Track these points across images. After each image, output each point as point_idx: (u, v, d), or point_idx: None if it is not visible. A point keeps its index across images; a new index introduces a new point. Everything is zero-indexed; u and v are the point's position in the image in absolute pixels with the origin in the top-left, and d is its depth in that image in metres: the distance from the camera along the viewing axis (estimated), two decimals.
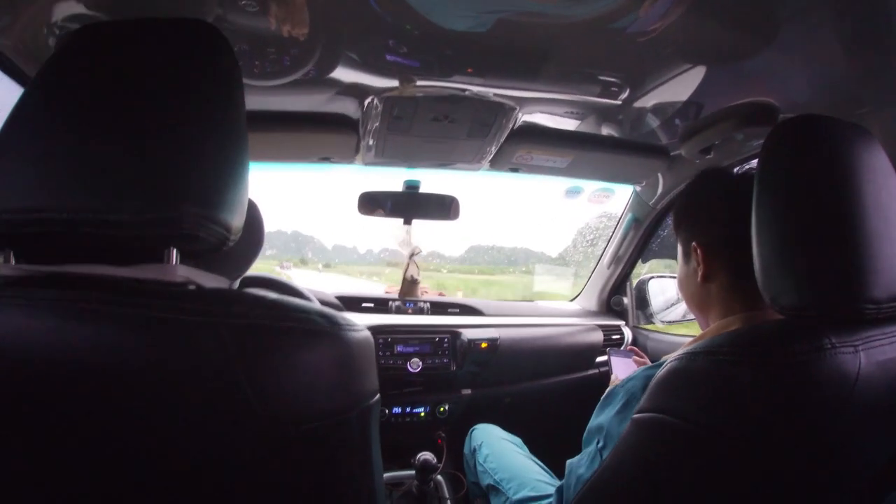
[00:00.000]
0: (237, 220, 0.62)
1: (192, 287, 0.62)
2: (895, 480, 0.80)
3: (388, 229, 2.05)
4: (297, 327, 0.58)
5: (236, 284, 0.78)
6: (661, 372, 0.78)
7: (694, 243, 0.97)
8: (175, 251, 0.61)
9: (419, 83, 1.22)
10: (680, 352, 0.78)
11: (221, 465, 0.57)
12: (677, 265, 1.08)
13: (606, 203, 2.13)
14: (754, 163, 0.82)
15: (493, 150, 1.58)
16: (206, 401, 0.55)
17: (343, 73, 1.19)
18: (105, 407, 0.53)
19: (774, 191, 0.77)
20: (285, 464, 0.59)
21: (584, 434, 0.99)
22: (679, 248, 1.05)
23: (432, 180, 1.86)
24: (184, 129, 0.58)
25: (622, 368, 1.52)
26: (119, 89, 0.58)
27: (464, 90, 1.26)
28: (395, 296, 2.14)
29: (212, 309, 0.55)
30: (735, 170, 0.99)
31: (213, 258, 0.68)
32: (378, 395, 0.69)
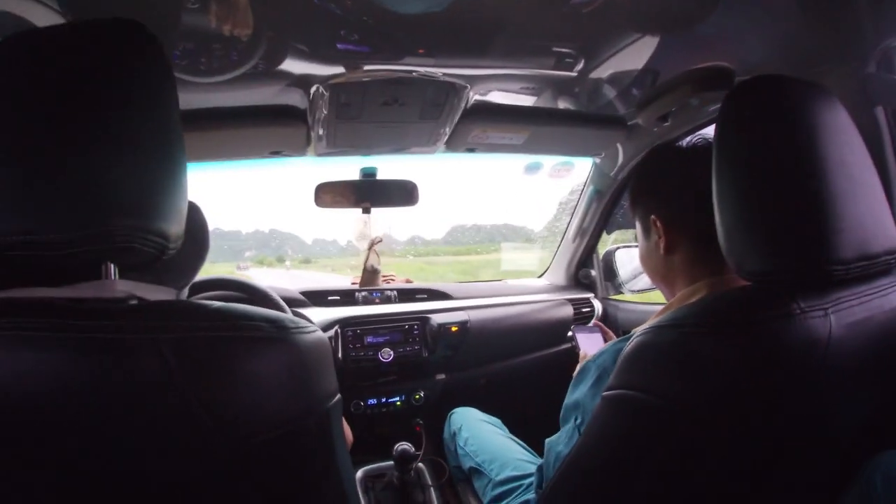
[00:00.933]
0: (175, 228, 0.59)
1: (133, 302, 0.59)
2: (879, 442, 0.80)
3: (344, 222, 2.03)
4: (242, 335, 0.56)
5: (185, 292, 0.75)
6: (627, 347, 0.77)
7: (653, 216, 0.97)
8: (113, 266, 0.59)
9: (366, 68, 1.19)
10: (646, 325, 0.77)
11: (178, 482, 0.55)
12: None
13: (567, 177, 2.13)
14: (704, 131, 0.81)
15: (448, 131, 1.56)
16: (156, 420, 0.53)
17: (292, 65, 1.17)
18: (57, 433, 0.52)
19: (733, 155, 0.75)
20: (244, 476, 0.57)
21: (562, 412, 0.99)
22: (638, 226, 1.04)
23: (396, 167, 1.83)
24: (111, 136, 0.55)
25: (589, 344, 1.52)
26: (41, 100, 0.54)
27: (411, 72, 1.23)
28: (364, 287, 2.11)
29: (151, 324, 0.53)
30: (686, 140, 0.98)
31: (157, 268, 0.65)
32: (338, 396, 0.67)
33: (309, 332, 0.62)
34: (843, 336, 0.68)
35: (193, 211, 0.69)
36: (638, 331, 0.78)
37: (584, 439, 0.84)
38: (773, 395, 0.67)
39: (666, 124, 1.53)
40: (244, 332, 0.56)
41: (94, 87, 0.55)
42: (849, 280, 0.72)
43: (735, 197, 0.74)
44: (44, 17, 0.89)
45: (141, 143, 0.56)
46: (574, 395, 0.96)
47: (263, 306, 1.56)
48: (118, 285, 0.59)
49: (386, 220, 2.02)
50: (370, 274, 2.15)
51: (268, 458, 0.58)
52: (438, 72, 1.24)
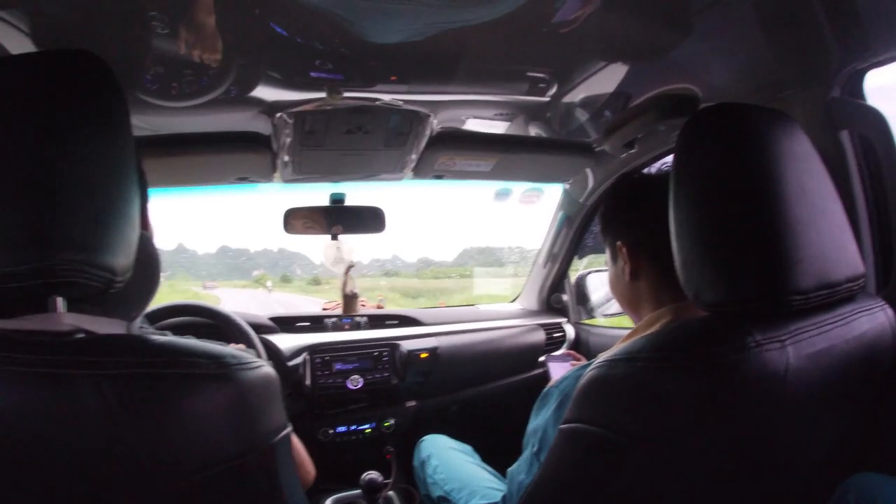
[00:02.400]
0: (122, 261, 0.59)
1: (80, 335, 0.59)
2: (850, 465, 0.80)
3: (318, 248, 2.02)
4: (181, 373, 0.56)
5: (136, 324, 0.74)
6: (582, 380, 0.76)
7: (619, 243, 0.98)
8: (60, 299, 0.58)
9: (329, 97, 1.20)
10: (600, 358, 0.76)
11: None
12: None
13: (537, 203, 2.14)
14: (670, 160, 0.81)
15: (415, 158, 1.57)
16: (95, 455, 0.53)
17: (264, 92, 1.18)
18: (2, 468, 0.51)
19: (690, 183, 0.75)
20: None
21: (524, 439, 0.99)
22: (607, 252, 1.05)
23: (367, 193, 1.84)
24: (57, 169, 0.54)
25: (561, 373, 1.51)
26: None
27: (375, 100, 1.24)
28: (334, 312, 2.09)
29: (93, 359, 0.53)
30: (656, 167, 0.99)
31: (107, 300, 0.64)
32: (286, 431, 0.66)
33: (252, 368, 0.61)
34: (802, 367, 0.67)
35: (145, 242, 0.68)
36: (595, 361, 0.77)
37: (544, 470, 0.83)
38: (727, 428, 0.67)
39: (632, 151, 1.55)
40: (183, 368, 0.55)
41: (42, 118, 0.55)
42: (809, 310, 0.71)
43: (691, 226, 0.74)
44: (19, 45, 0.89)
45: (89, 175, 0.56)
46: (535, 420, 0.96)
47: (227, 332, 1.55)
48: (65, 318, 0.58)
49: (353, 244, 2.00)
50: (350, 299, 2.13)
51: (208, 495, 0.57)
52: (401, 100, 1.25)
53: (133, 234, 0.61)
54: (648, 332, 0.84)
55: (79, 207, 0.55)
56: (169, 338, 0.60)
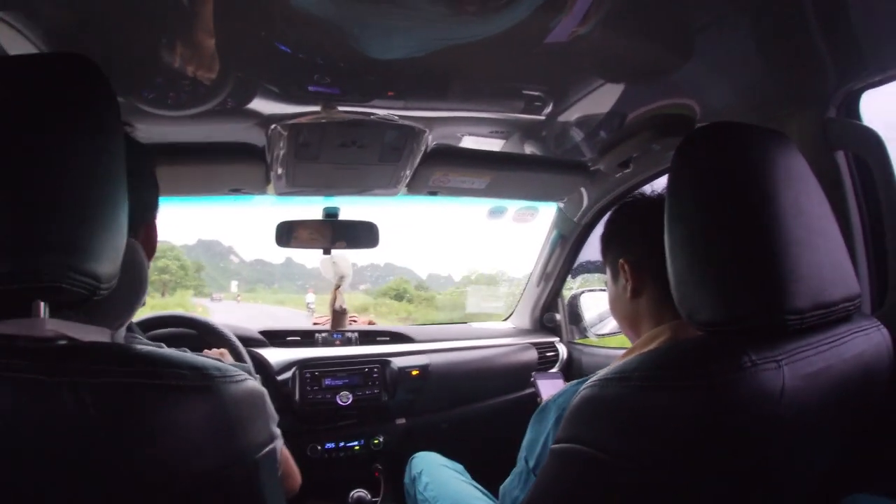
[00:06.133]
0: (108, 268, 0.58)
1: (62, 342, 0.58)
2: (846, 485, 0.79)
3: (306, 257, 2.01)
4: (164, 384, 0.55)
5: (121, 332, 0.73)
6: (574, 400, 0.75)
7: (621, 260, 0.98)
8: (44, 304, 0.57)
9: (324, 110, 1.21)
10: (594, 377, 0.75)
11: None
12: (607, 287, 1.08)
13: (531, 221, 2.14)
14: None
15: (409, 173, 1.57)
16: (73, 465, 0.52)
17: (260, 104, 1.18)
18: None
19: (685, 202, 0.75)
20: None
21: (519, 453, 0.98)
22: (607, 271, 1.06)
23: (361, 208, 1.84)
24: (45, 171, 0.54)
25: (551, 389, 1.50)
26: None
27: (370, 114, 1.24)
28: (324, 327, 2.08)
29: (75, 367, 0.52)
30: (653, 189, 1.00)
31: (91, 307, 0.63)
32: (272, 446, 0.66)
33: (237, 381, 0.60)
34: (799, 387, 0.66)
35: (131, 250, 0.68)
36: (587, 382, 0.76)
37: (537, 490, 0.82)
38: (722, 448, 0.66)
39: (627, 170, 1.55)
40: (167, 379, 0.55)
41: (32, 119, 0.55)
42: (804, 330, 0.70)
43: (686, 245, 0.73)
44: (22, 47, 0.89)
45: (77, 181, 0.56)
46: (531, 434, 0.95)
47: (215, 344, 1.54)
48: (47, 324, 0.57)
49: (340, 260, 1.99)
50: (339, 314, 2.11)
51: None
52: (396, 115, 1.26)
53: (120, 241, 0.61)
54: (646, 349, 0.84)
55: (65, 211, 0.54)
56: (152, 348, 0.59)
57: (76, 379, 0.51)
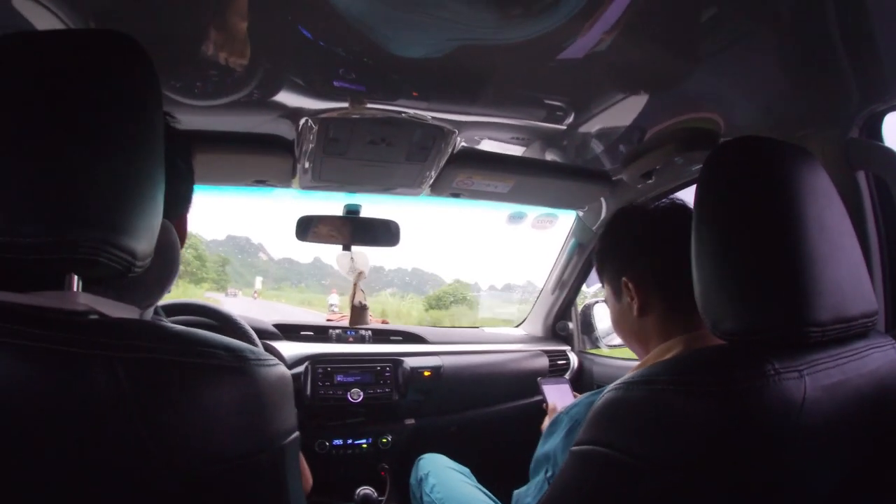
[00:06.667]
0: (144, 246, 0.58)
1: (93, 316, 0.58)
2: (858, 501, 0.78)
3: (333, 257, 2.01)
4: (199, 362, 0.55)
5: (149, 312, 0.73)
6: (598, 402, 0.75)
7: (624, 278, 0.97)
8: (76, 278, 0.57)
9: (357, 106, 1.21)
10: (618, 381, 0.75)
11: None
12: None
13: (550, 228, 2.14)
14: (679, 194, 0.82)
15: (433, 174, 1.57)
16: (98, 439, 0.51)
17: (286, 97, 1.18)
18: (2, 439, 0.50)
19: (713, 214, 0.75)
20: None
21: (532, 464, 0.98)
22: (607, 288, 1.04)
23: (380, 208, 1.84)
24: (87, 146, 0.54)
25: (557, 396, 1.50)
26: (25, 103, 0.54)
27: (401, 113, 1.25)
28: (338, 324, 2.09)
29: (108, 341, 0.52)
30: (650, 205, 0.99)
31: (123, 285, 0.63)
32: (296, 434, 0.65)
33: (270, 365, 0.60)
34: (818, 398, 0.67)
35: (166, 230, 0.68)
36: (610, 385, 0.77)
37: (552, 492, 0.81)
38: (744, 455, 0.66)
39: (650, 181, 1.55)
40: (201, 358, 0.55)
41: (76, 93, 0.55)
42: (825, 342, 0.71)
43: (713, 256, 0.74)
44: (50, 26, 0.89)
45: (117, 156, 0.56)
46: (545, 446, 0.95)
47: (231, 335, 1.54)
48: (80, 298, 0.57)
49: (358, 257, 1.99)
50: (359, 311, 2.11)
51: (214, 493, 0.55)
52: (428, 115, 1.26)
53: (156, 221, 0.61)
54: (661, 360, 0.83)
55: (104, 186, 0.54)
56: (186, 328, 0.59)
57: (110, 353, 0.51)
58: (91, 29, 0.59)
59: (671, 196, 0.97)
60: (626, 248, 1.00)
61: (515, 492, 1.00)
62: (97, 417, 0.51)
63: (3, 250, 0.51)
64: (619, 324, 1.04)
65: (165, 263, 0.71)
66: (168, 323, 0.62)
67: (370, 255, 1.95)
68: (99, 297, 0.60)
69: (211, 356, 0.55)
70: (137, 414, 0.51)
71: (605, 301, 2.25)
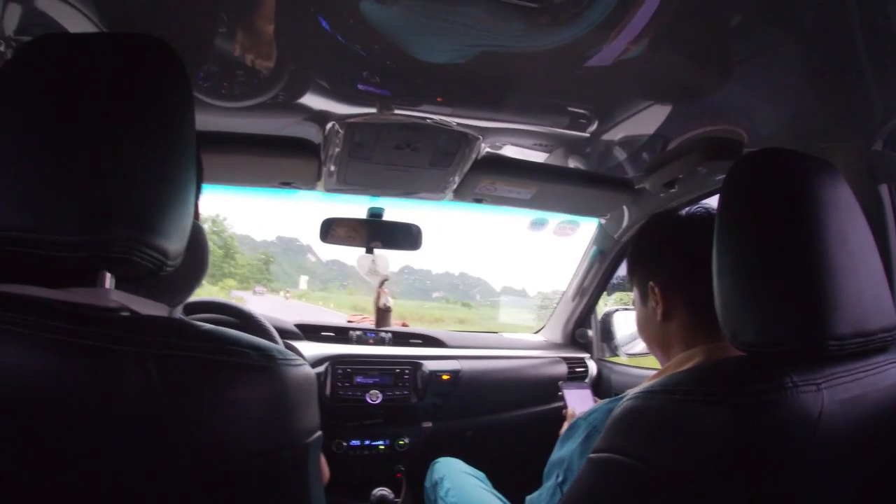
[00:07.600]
0: (176, 245, 0.60)
1: (125, 313, 0.59)
2: None
3: (355, 258, 2.02)
4: (228, 360, 0.56)
5: (178, 311, 0.75)
6: (616, 410, 0.75)
7: (651, 283, 0.97)
8: (109, 275, 0.59)
9: (383, 111, 1.22)
10: (637, 390, 0.76)
11: (141, 502, 0.54)
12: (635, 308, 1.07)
13: (572, 235, 2.14)
14: (706, 202, 0.82)
15: (457, 179, 1.58)
16: (128, 433, 0.52)
17: (311, 100, 1.20)
18: (24, 433, 0.50)
19: (735, 225, 0.75)
20: None
21: (546, 468, 0.98)
22: (636, 292, 1.05)
23: (403, 211, 1.85)
24: (122, 147, 0.56)
25: (578, 402, 1.50)
26: (60, 104, 0.55)
27: (426, 118, 1.26)
28: (359, 325, 2.10)
29: (140, 338, 0.53)
30: (683, 211, 0.99)
31: (153, 283, 0.65)
32: (319, 433, 0.66)
33: (296, 365, 0.61)
34: (836, 412, 0.67)
35: (196, 231, 0.70)
36: (629, 393, 0.77)
37: (570, 497, 0.81)
38: (760, 467, 0.66)
39: (672, 190, 1.54)
40: (230, 356, 0.56)
41: (112, 96, 0.56)
42: (843, 356, 0.71)
43: (734, 267, 0.74)
44: (79, 27, 0.92)
45: (151, 157, 0.57)
46: (560, 451, 0.95)
47: (253, 334, 1.57)
48: (112, 295, 0.59)
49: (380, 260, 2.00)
50: (383, 312, 2.12)
51: (238, 488, 0.56)
52: (453, 121, 1.27)
53: (187, 221, 0.63)
54: (681, 369, 0.83)
55: (139, 186, 0.56)
56: (215, 327, 0.60)
57: (142, 350, 0.52)
58: (126, 32, 0.60)
59: (703, 205, 0.97)
60: (655, 254, 1.00)
61: (528, 498, 1.01)
62: (128, 412, 0.52)
63: (38, 248, 0.52)
64: (644, 328, 1.04)
65: (195, 263, 0.73)
66: (196, 321, 0.63)
67: (390, 259, 1.96)
68: (130, 295, 0.62)
69: (240, 355, 0.57)
70: (168, 409, 0.52)
71: (625, 308, 2.26)
